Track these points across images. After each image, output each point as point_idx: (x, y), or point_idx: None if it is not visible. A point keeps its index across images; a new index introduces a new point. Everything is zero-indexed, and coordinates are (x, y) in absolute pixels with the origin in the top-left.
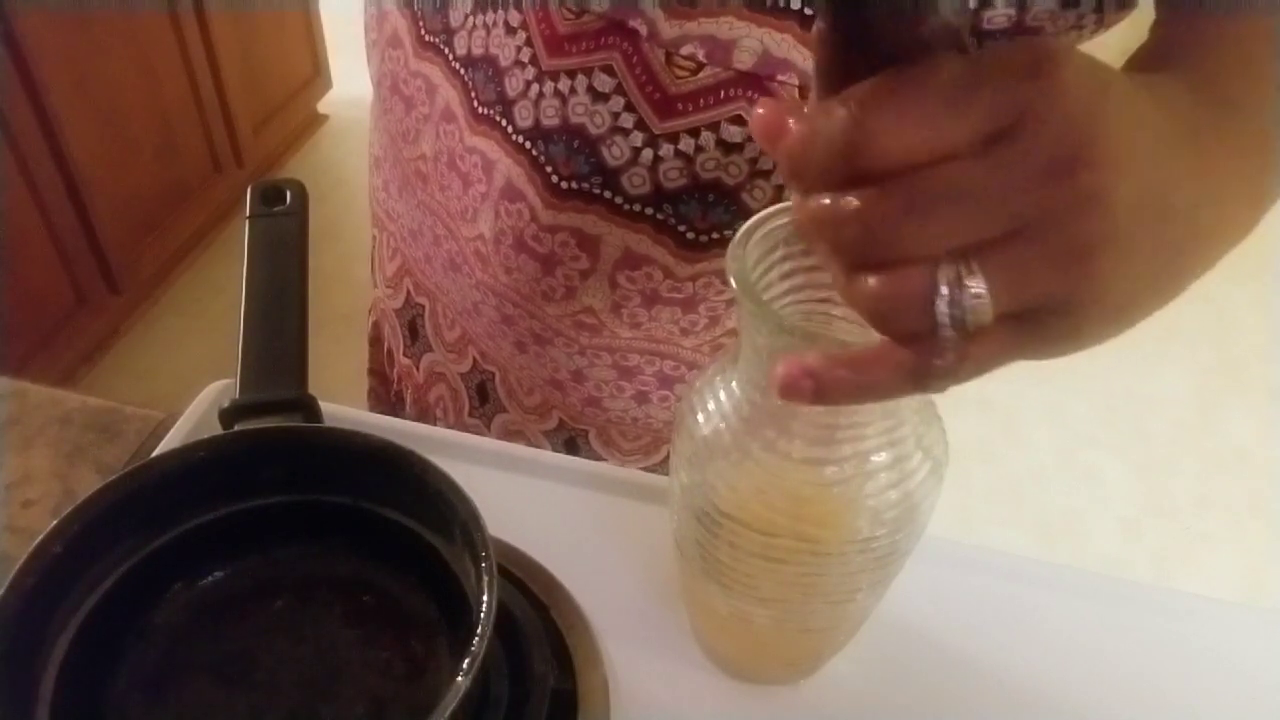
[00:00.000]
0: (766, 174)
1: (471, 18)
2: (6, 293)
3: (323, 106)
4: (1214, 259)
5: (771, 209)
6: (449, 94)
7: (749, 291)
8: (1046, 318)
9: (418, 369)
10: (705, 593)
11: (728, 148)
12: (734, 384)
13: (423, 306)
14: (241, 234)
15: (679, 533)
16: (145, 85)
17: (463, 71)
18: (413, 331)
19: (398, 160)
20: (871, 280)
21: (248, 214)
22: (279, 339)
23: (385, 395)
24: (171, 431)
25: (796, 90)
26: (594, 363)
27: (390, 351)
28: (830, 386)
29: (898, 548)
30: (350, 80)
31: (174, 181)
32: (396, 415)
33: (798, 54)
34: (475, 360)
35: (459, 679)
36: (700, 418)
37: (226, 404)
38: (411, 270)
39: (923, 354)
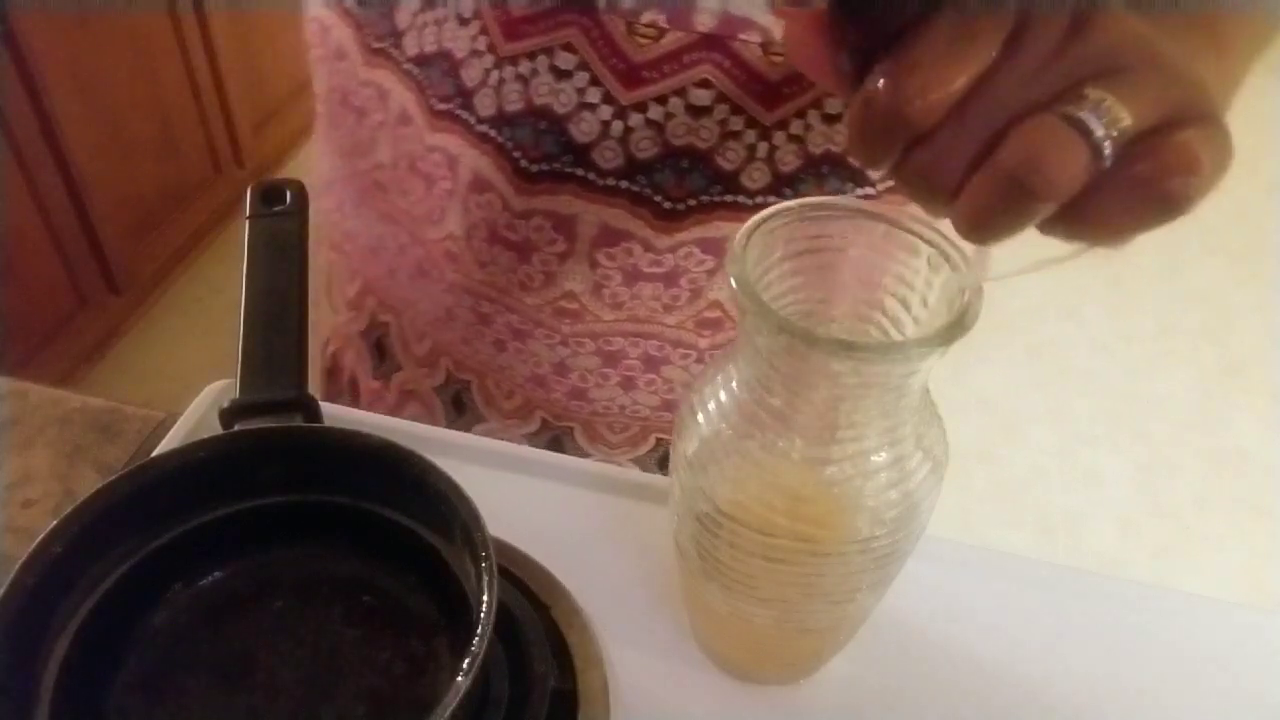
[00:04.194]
0: (737, 135)
1: (420, 15)
2: (6, 293)
3: None
4: None
5: (771, 209)
6: (403, 96)
7: (749, 291)
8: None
9: (388, 389)
10: (705, 593)
11: (696, 112)
12: (734, 384)
13: (387, 324)
14: (241, 234)
15: (679, 533)
16: (145, 85)
17: (415, 71)
18: (379, 351)
19: (352, 175)
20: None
21: (248, 214)
22: (279, 339)
23: None
24: (171, 431)
25: (760, 48)
26: (577, 352)
27: (354, 380)
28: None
29: (898, 548)
30: None
31: (174, 181)
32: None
33: (758, 10)
34: (449, 371)
35: (459, 679)
36: (700, 418)
37: (226, 404)
38: (374, 289)
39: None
